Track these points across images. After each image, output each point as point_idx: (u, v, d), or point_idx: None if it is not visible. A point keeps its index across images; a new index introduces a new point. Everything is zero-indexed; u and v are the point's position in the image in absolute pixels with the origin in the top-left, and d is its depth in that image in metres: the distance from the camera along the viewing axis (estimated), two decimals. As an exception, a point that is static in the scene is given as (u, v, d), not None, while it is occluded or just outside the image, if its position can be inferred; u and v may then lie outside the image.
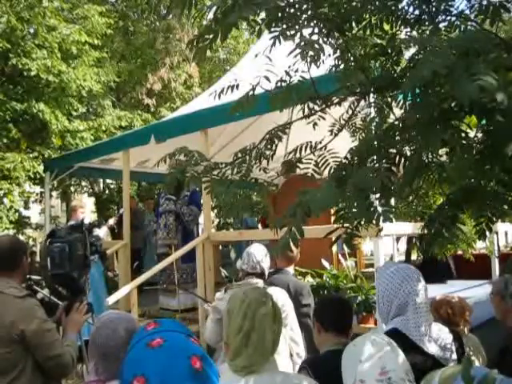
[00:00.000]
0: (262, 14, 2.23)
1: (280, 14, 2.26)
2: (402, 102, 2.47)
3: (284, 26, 2.28)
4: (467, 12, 2.54)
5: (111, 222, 9.98)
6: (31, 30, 11.99)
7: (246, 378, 2.12)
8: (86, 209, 11.43)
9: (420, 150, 2.14)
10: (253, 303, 2.25)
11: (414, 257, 9.51)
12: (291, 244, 2.05)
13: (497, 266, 7.69)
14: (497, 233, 8.00)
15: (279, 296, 3.93)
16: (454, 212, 2.22)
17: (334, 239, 2.49)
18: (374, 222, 2.11)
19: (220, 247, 10.33)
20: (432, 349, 2.58)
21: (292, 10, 2.30)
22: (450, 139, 1.91)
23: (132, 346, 1.47)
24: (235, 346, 2.18)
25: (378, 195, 2.23)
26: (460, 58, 1.63)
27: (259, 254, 4.17)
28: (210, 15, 2.22)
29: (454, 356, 2.63)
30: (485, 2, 2.33)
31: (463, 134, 1.96)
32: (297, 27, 2.29)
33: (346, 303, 3.23)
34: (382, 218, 2.14)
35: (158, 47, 16.47)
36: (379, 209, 2.12)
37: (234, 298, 2.33)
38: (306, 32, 2.37)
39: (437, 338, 2.63)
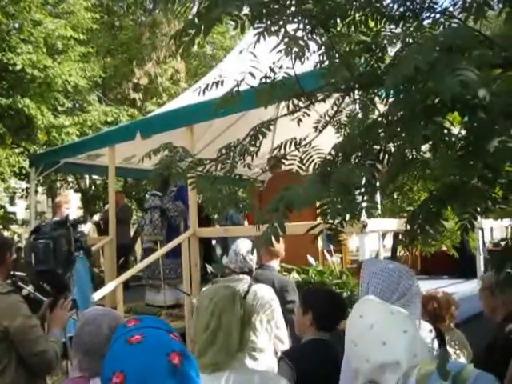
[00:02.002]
0: (246, 10, 2.22)
1: (264, 10, 2.25)
2: (385, 98, 2.48)
3: (268, 22, 2.27)
4: (451, 9, 2.56)
5: (96, 218, 9.93)
6: (16, 25, 11.90)
7: (212, 375, 2.11)
8: (72, 205, 11.37)
9: (403, 146, 2.14)
10: (220, 302, 2.25)
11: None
12: (273, 239, 2.05)
13: (481, 263, 7.74)
14: (482, 229, 8.05)
15: (266, 294, 3.94)
16: (437, 208, 2.23)
17: (316, 234, 2.49)
18: (358, 217, 2.11)
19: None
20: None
21: (276, 6, 2.29)
22: (432, 135, 1.91)
23: (112, 343, 1.46)
24: (201, 344, 2.19)
25: (361, 190, 2.23)
26: (443, 54, 1.64)
27: (246, 252, 4.15)
28: (195, 10, 2.21)
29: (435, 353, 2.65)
30: (469, 0, 2.34)
31: (446, 131, 1.96)
32: (281, 23, 2.29)
33: (343, 303, 3.23)
34: (365, 214, 2.14)
35: (145, 42, 16.39)
36: (363, 204, 2.12)
37: (203, 296, 2.34)
38: (291, 28, 2.37)
39: (425, 331, 2.64)
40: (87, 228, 8.58)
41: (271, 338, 3.90)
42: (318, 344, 2.99)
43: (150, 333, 1.44)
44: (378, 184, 2.27)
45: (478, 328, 3.78)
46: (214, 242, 9.97)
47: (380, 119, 2.37)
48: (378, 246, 7.51)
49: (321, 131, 2.85)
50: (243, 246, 4.19)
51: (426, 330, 2.70)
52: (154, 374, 1.35)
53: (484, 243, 8.30)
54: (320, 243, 7.26)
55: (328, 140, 2.84)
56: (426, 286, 5.29)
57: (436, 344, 2.66)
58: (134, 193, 17.21)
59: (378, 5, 2.52)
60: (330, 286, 6.11)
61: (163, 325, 1.51)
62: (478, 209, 2.19)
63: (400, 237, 8.71)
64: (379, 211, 2.82)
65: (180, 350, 1.42)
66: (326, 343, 3.01)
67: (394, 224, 6.30)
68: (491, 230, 12.89)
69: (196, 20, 2.12)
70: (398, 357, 1.89)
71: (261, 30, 2.23)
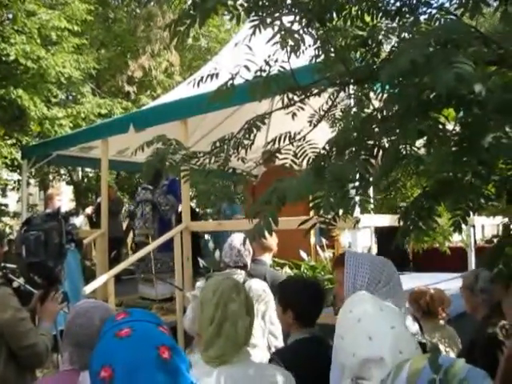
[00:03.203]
0: (242, 0, 2.21)
1: (260, 2, 2.24)
2: (380, 93, 2.48)
3: (264, 14, 2.26)
4: (447, 5, 2.55)
5: (88, 210, 9.90)
6: (10, 15, 11.82)
7: (218, 368, 2.11)
8: (64, 197, 11.33)
9: (397, 141, 2.14)
10: (225, 293, 2.24)
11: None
12: (265, 232, 2.04)
13: (473, 260, 7.78)
14: (474, 226, 8.08)
15: (260, 289, 3.93)
16: (430, 204, 2.23)
17: (308, 228, 2.48)
18: (350, 212, 2.11)
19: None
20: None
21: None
22: (427, 130, 1.91)
23: (101, 337, 1.45)
24: (207, 337, 2.18)
25: (355, 184, 2.23)
26: (439, 48, 1.63)
27: (242, 246, 4.14)
28: (190, 2, 2.20)
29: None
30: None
31: (441, 126, 1.96)
32: (277, 15, 2.28)
33: (321, 292, 3.17)
34: (359, 209, 2.14)
35: (139, 35, 16.33)
36: (356, 198, 2.12)
37: (206, 289, 2.33)
38: (287, 20, 2.36)
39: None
40: (79, 221, 8.56)
41: (265, 333, 3.89)
42: (308, 342, 2.97)
43: (139, 326, 1.43)
44: (371, 179, 2.26)
45: (469, 325, 3.80)
46: (206, 236, 9.95)
47: (375, 114, 2.37)
48: (371, 241, 7.52)
49: (315, 125, 2.84)
50: (238, 240, 4.18)
51: (410, 320, 2.70)
52: (143, 368, 1.34)
53: (475, 240, 8.34)
54: (312, 238, 7.27)
55: (322, 135, 2.83)
56: (417, 282, 5.30)
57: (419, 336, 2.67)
58: (126, 186, 17.17)
59: (375, -1, 2.51)
60: (322, 282, 6.12)
61: (153, 318, 1.50)
62: (471, 205, 2.19)
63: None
64: (372, 206, 2.81)
65: (170, 344, 1.41)
66: (315, 339, 2.98)
67: (387, 220, 6.31)
68: (482, 227, 12.95)
69: (191, 10, 2.10)
70: (382, 353, 1.89)
71: (256, 22, 2.22)
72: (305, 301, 3.00)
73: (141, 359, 1.35)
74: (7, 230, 16.28)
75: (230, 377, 2.10)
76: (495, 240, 2.47)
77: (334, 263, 3.00)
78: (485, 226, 12.71)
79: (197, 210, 12.03)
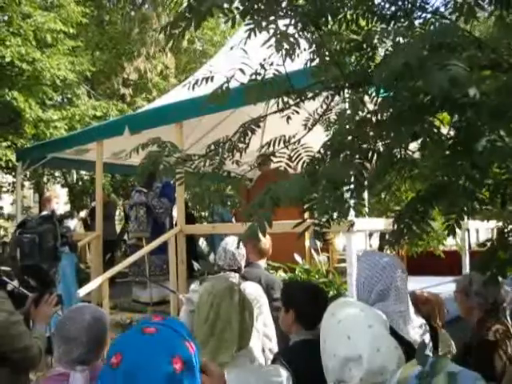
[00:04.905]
0: (237, 3, 2.21)
1: (256, 6, 2.24)
2: (374, 96, 2.48)
3: (259, 18, 2.26)
4: (442, 10, 2.56)
5: (82, 214, 9.91)
6: (5, 18, 11.81)
7: None
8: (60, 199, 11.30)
9: (392, 144, 2.14)
10: (219, 294, 2.25)
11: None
12: (260, 234, 2.03)
13: (467, 263, 7.79)
14: (468, 230, 8.09)
15: (254, 291, 3.92)
16: (424, 208, 2.23)
17: (301, 231, 2.48)
18: (344, 215, 2.11)
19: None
20: (410, 336, 2.59)
21: (267, 0, 2.28)
22: (421, 132, 1.91)
23: (128, 329, 1.49)
24: (202, 337, 2.18)
25: (349, 187, 2.23)
26: (433, 51, 1.63)
27: (236, 249, 4.14)
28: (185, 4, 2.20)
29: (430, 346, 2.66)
30: (460, 0, 2.35)
31: (435, 130, 1.97)
32: (272, 18, 2.28)
33: (324, 296, 3.19)
34: (353, 212, 2.14)
35: (134, 37, 16.33)
36: (350, 202, 2.12)
37: (203, 291, 2.34)
38: (282, 23, 2.36)
39: (415, 326, 2.65)
40: (73, 224, 8.54)
41: (259, 335, 3.89)
42: (311, 344, 2.96)
43: (165, 331, 1.43)
44: (365, 182, 2.27)
45: (463, 328, 3.80)
46: (201, 239, 9.96)
47: (369, 117, 2.37)
48: (365, 245, 7.53)
49: (310, 129, 2.84)
50: (232, 243, 4.18)
51: (417, 326, 2.71)
52: (150, 368, 1.34)
53: (470, 244, 8.36)
54: (307, 242, 7.27)
55: (317, 138, 2.84)
56: (412, 286, 5.30)
57: (427, 339, 2.67)
58: (120, 189, 17.16)
59: (370, 3, 2.51)
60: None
61: (183, 330, 1.49)
62: (465, 209, 2.20)
63: (387, 237, 8.75)
64: (366, 209, 2.82)
65: (186, 359, 1.40)
66: (316, 342, 2.97)
67: (381, 224, 6.32)
68: (477, 231, 12.98)
69: (187, 13, 2.10)
70: (360, 351, 1.89)
71: (252, 26, 2.22)
72: (307, 301, 3.00)
73: (151, 359, 1.35)
74: (1, 232, 16.25)
75: (229, 381, 2.09)
76: (488, 244, 2.48)
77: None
78: (479, 230, 12.75)
79: (192, 211, 12.02)
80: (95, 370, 2.31)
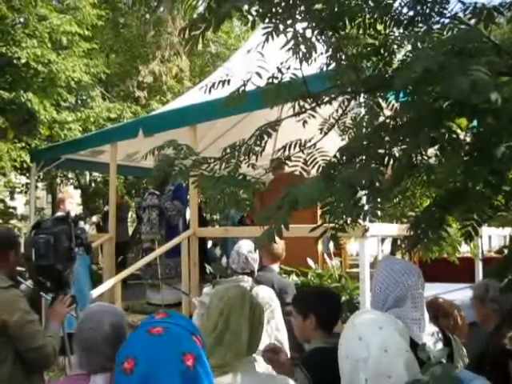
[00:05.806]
0: (256, 6, 2.21)
1: (274, 9, 2.25)
2: (392, 102, 2.48)
3: (277, 21, 2.27)
4: (461, 15, 2.55)
5: (94, 219, 9.93)
6: (21, 19, 11.89)
7: (218, 378, 2.07)
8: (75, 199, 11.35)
9: (410, 149, 2.13)
10: (230, 302, 2.21)
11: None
12: (276, 237, 2.03)
13: (480, 270, 7.74)
14: (481, 237, 8.04)
15: (266, 295, 3.91)
16: (440, 214, 2.22)
17: (318, 235, 2.48)
18: (361, 219, 2.10)
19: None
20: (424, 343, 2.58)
21: (285, 4, 2.28)
22: (440, 137, 1.91)
23: (134, 330, 1.48)
24: (209, 345, 2.16)
25: (365, 192, 2.22)
26: (453, 56, 1.63)
27: (249, 253, 4.14)
28: (201, 9, 2.20)
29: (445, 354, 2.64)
30: (479, 5, 2.34)
31: (454, 135, 1.96)
32: (289, 22, 2.28)
33: (339, 301, 3.20)
34: (369, 216, 2.13)
35: (149, 40, 16.39)
36: (366, 206, 2.11)
37: (214, 295, 2.31)
38: (300, 27, 2.36)
39: (430, 333, 2.65)
40: (86, 228, 8.57)
41: (271, 339, 3.87)
42: (332, 352, 2.94)
43: (173, 329, 1.44)
44: (382, 187, 2.26)
45: (478, 335, 3.78)
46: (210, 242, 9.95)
47: (387, 121, 2.36)
48: (377, 250, 7.50)
49: (326, 133, 2.84)
50: (246, 246, 4.18)
51: (429, 333, 2.70)
52: (163, 368, 1.35)
53: (482, 251, 8.30)
54: (320, 246, 7.26)
55: (332, 143, 2.83)
56: (424, 292, 5.27)
57: (440, 347, 2.66)
58: (133, 191, 17.21)
59: (387, 8, 2.50)
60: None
61: (189, 325, 1.50)
62: (482, 215, 2.19)
63: (399, 242, 8.72)
64: (381, 214, 2.82)
65: (197, 354, 1.40)
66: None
67: (394, 229, 6.29)
68: (489, 237, 12.90)
69: (206, 14, 2.10)
70: (369, 351, 1.89)
71: (270, 29, 2.22)
72: (328, 308, 2.99)
73: (164, 360, 1.36)
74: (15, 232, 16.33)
75: None
76: (505, 251, 2.47)
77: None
78: (491, 237, 12.67)
79: (204, 214, 12.02)
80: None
